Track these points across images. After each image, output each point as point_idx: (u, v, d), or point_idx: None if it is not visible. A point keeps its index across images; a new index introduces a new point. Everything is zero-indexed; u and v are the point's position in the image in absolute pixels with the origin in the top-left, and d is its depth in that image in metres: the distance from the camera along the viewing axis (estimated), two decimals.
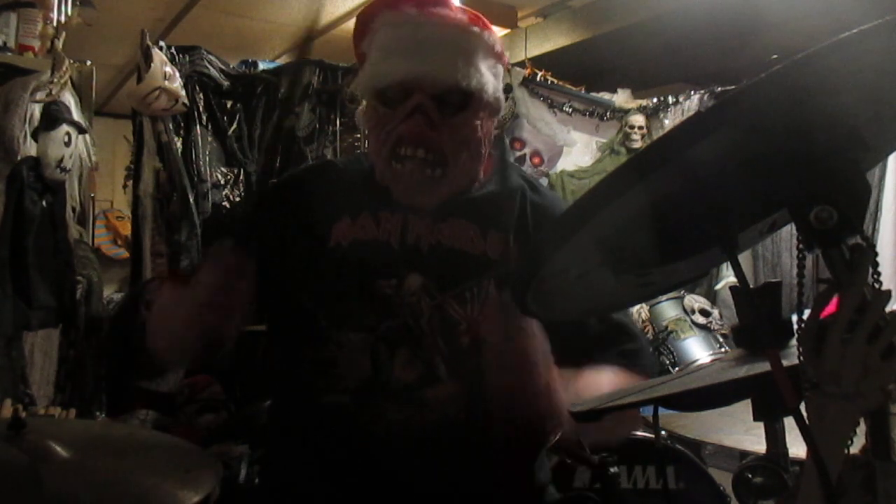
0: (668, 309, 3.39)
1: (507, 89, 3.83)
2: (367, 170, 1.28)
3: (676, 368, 3.10)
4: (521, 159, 3.92)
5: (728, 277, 3.79)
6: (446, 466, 1.14)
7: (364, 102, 1.30)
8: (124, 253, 5.23)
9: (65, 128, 2.56)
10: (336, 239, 1.22)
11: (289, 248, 1.25)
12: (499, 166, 1.32)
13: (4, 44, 2.61)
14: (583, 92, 4.10)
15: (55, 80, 2.54)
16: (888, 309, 0.61)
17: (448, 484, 1.14)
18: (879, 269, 0.62)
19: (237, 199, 3.17)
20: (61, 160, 2.56)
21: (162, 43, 3.02)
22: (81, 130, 2.66)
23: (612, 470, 1.85)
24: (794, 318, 0.67)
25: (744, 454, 1.23)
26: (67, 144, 2.57)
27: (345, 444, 1.17)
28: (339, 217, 1.24)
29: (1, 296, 2.45)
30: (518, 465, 1.23)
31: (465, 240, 1.21)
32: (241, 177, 3.21)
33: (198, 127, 3.09)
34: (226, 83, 3.20)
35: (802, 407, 0.63)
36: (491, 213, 1.24)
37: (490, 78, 1.19)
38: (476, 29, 1.19)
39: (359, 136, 3.39)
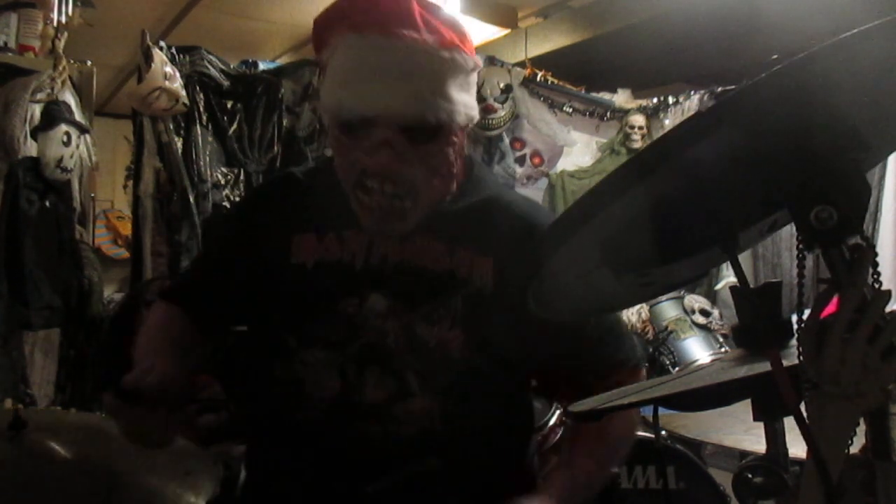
0: (669, 309, 3.39)
1: (508, 89, 3.83)
2: (334, 182, 1.20)
3: (676, 368, 3.10)
4: (522, 159, 3.93)
5: (728, 277, 3.78)
6: (423, 480, 1.12)
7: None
8: (124, 253, 5.23)
9: (63, 127, 2.56)
10: (301, 258, 1.20)
11: (254, 266, 1.24)
12: (471, 177, 1.25)
13: (5, 44, 2.62)
14: (583, 92, 4.10)
15: (54, 78, 2.55)
16: (888, 309, 0.61)
17: (425, 498, 1.13)
18: (879, 269, 0.62)
19: (237, 199, 3.17)
20: (60, 160, 2.56)
21: (162, 43, 3.02)
22: (83, 130, 2.66)
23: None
24: (794, 318, 0.67)
25: (744, 454, 1.23)
26: (66, 144, 2.57)
27: (317, 461, 1.15)
28: (305, 235, 1.21)
29: None
30: (497, 479, 1.20)
31: (431, 257, 1.17)
32: (242, 177, 3.21)
33: (198, 127, 3.09)
34: (226, 83, 3.20)
35: (802, 407, 0.63)
36: (460, 228, 1.18)
37: (462, 100, 1.11)
38: (446, 53, 1.09)
39: None
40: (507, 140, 3.86)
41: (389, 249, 1.17)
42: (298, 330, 1.18)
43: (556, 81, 4.01)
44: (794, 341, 0.66)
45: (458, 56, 1.10)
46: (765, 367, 0.68)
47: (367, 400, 1.13)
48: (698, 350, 3.19)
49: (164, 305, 1.35)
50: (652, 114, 4.15)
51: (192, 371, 1.31)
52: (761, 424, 0.91)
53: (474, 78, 1.17)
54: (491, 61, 3.80)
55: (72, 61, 2.69)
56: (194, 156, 3.06)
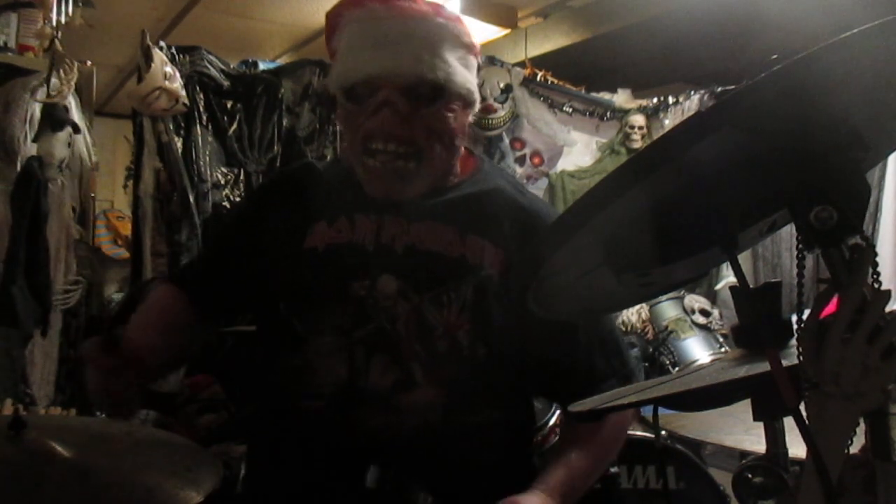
0: (669, 309, 3.39)
1: (508, 89, 3.83)
2: (345, 171, 1.25)
3: (676, 368, 3.10)
4: (522, 159, 3.92)
5: (728, 277, 3.78)
6: (424, 472, 1.12)
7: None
8: (124, 253, 5.22)
9: (69, 129, 2.57)
10: (312, 243, 1.22)
11: (267, 253, 1.26)
12: (481, 169, 1.29)
13: (5, 44, 2.61)
14: (583, 92, 4.09)
15: (63, 81, 2.54)
16: (888, 309, 0.61)
17: (427, 489, 1.14)
18: (879, 268, 0.62)
19: (237, 199, 3.17)
20: (63, 161, 2.58)
21: (162, 43, 3.02)
22: (77, 130, 2.66)
23: (612, 470, 1.85)
24: (794, 318, 0.68)
25: (744, 454, 1.23)
26: (70, 145, 2.59)
27: (322, 449, 1.16)
28: (317, 221, 1.23)
29: (21, 296, 2.45)
30: (497, 470, 1.21)
31: (441, 242, 1.19)
32: (242, 177, 3.21)
33: (198, 127, 3.09)
34: (226, 83, 3.19)
35: (802, 407, 0.63)
36: (470, 216, 1.21)
37: (459, 68, 1.16)
38: (440, 20, 1.16)
39: None
40: (506, 140, 3.85)
41: (399, 231, 1.20)
42: (309, 315, 1.19)
43: (555, 81, 4.01)
44: (793, 341, 0.66)
45: (451, 25, 1.17)
46: (765, 367, 0.68)
47: (371, 387, 1.14)
48: (698, 350, 3.20)
49: (164, 286, 1.38)
50: (652, 114, 4.15)
51: (178, 353, 1.33)
52: (761, 424, 0.91)
53: (473, 61, 1.21)
54: (491, 61, 3.80)
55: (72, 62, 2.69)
56: (194, 156, 3.06)
